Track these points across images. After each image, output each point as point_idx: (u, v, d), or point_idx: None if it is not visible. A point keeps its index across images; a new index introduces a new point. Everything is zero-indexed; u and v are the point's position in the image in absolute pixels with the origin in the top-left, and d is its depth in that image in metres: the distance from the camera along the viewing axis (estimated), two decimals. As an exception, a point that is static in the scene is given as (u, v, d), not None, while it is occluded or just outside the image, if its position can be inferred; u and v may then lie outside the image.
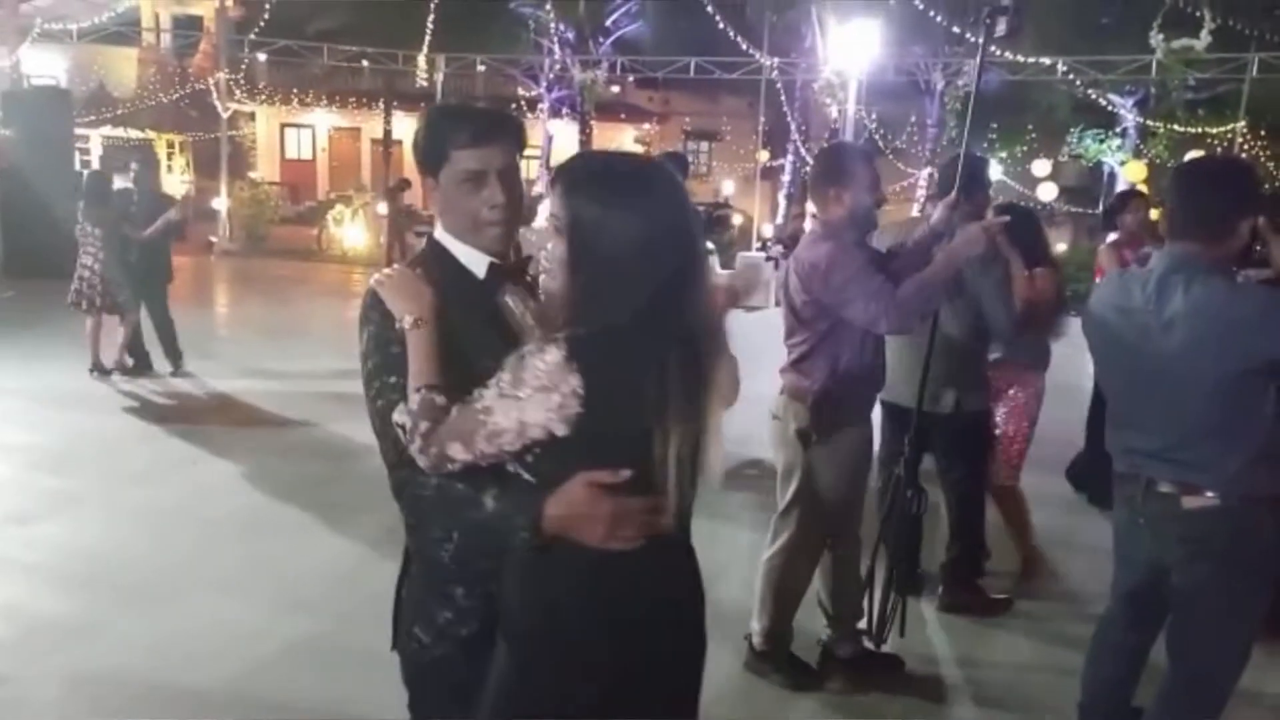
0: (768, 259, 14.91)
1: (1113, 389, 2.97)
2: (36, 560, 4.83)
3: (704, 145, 32.42)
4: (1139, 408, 2.81)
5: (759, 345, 4.03)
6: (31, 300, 12.60)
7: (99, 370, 8.54)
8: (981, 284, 4.12)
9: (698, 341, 1.76)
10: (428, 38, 17.41)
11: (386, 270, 1.93)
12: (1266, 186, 20.84)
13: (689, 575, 1.93)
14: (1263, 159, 19.40)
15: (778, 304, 4.81)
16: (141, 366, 8.76)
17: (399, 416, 1.81)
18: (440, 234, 2.01)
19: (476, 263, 1.97)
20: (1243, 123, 15.91)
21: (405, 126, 29.09)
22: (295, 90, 26.71)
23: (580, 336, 1.68)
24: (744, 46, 17.63)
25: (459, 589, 1.97)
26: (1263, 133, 18.76)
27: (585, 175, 1.79)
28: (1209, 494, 2.69)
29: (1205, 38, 14.67)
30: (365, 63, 19.13)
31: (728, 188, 26.94)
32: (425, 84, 18.53)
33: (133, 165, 9.21)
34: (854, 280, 3.36)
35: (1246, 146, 17.90)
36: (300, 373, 8.99)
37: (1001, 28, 3.80)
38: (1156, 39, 14.96)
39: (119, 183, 9.29)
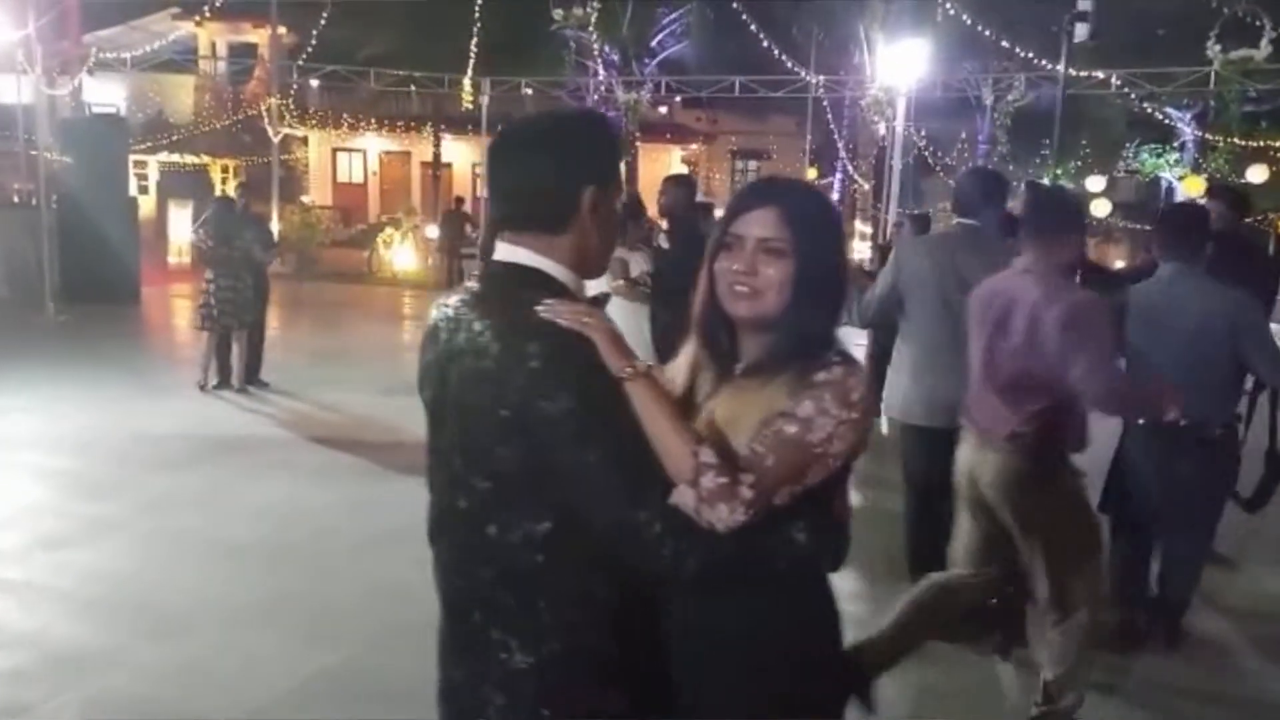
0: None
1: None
2: (64, 587, 4.81)
3: (751, 164, 32.38)
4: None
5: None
6: (86, 325, 12.84)
7: (226, 385, 9.00)
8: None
9: None
10: (471, 61, 17.51)
11: (570, 309, 1.64)
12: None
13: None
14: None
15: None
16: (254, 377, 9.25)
17: (695, 481, 1.59)
18: (540, 260, 1.73)
19: (577, 287, 1.78)
20: (1307, 135, 15.48)
21: (454, 150, 29.50)
22: (345, 115, 27.08)
23: (850, 358, 1.77)
24: (789, 65, 17.51)
25: (629, 673, 1.75)
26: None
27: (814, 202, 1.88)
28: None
29: (1265, 47, 14.27)
30: (413, 87, 19.30)
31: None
32: (471, 107, 18.63)
33: (237, 192, 9.93)
34: (1104, 348, 3.40)
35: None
36: (346, 399, 8.97)
37: (1083, 32, 3.84)
38: (1214, 49, 14.58)
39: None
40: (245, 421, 8.20)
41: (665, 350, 7.18)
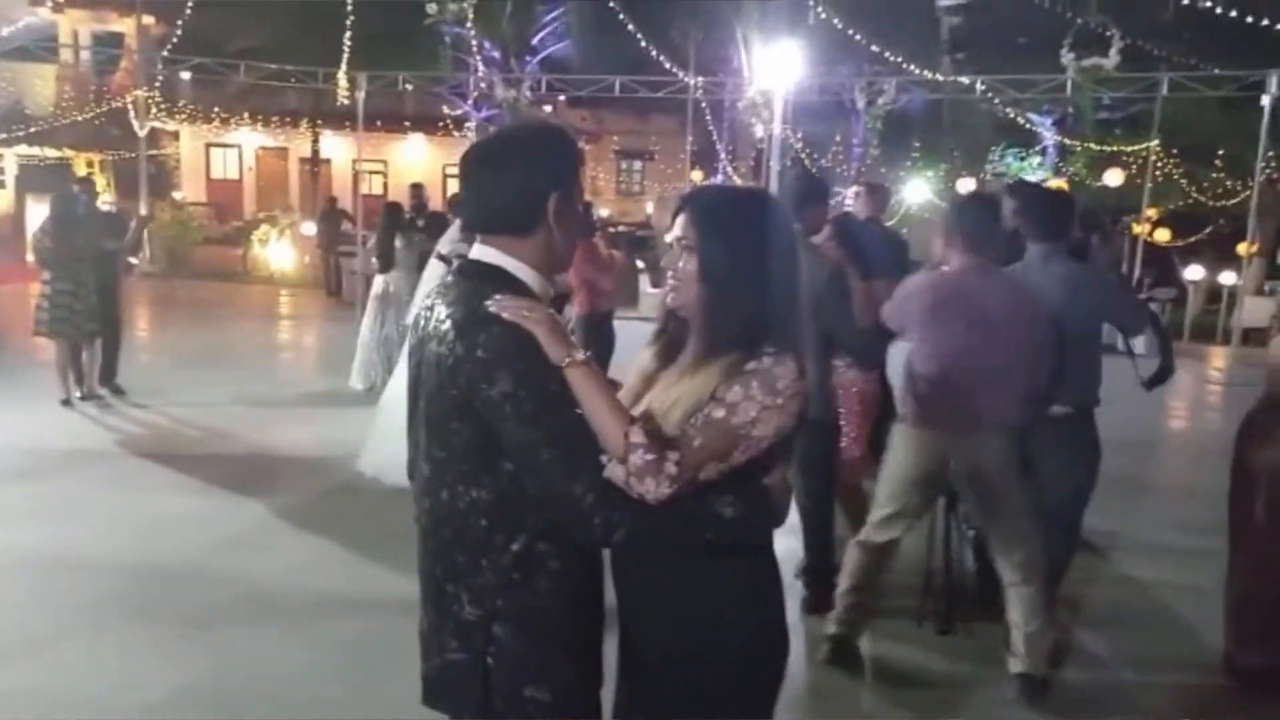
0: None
1: None
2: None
3: (636, 164, 32.52)
4: None
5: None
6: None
7: (89, 396, 8.56)
8: (824, 299, 4.30)
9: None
10: (346, 55, 17.13)
11: (515, 303, 1.85)
12: (1180, 204, 21.50)
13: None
14: (1176, 177, 19.96)
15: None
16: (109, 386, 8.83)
17: (626, 457, 1.78)
18: (505, 259, 1.95)
19: (544, 291, 1.98)
20: (1156, 141, 16.31)
21: (333, 146, 28.87)
22: (218, 109, 26.22)
23: (786, 348, 1.91)
24: (669, 66, 17.66)
25: (573, 636, 1.97)
26: (1175, 152, 19.28)
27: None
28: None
29: (1114, 57, 15.02)
30: (292, 80, 18.78)
31: (651, 208, 27.04)
32: (348, 102, 18.24)
33: (75, 188, 9.04)
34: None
35: (1160, 165, 18.37)
36: (208, 407, 8.70)
37: (958, 19, 4.06)
38: (1067, 57, 15.29)
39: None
40: (98, 432, 7.86)
41: None
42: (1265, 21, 13.87)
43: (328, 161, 29.06)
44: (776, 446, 1.93)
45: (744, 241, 1.96)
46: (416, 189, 10.91)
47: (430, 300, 2.02)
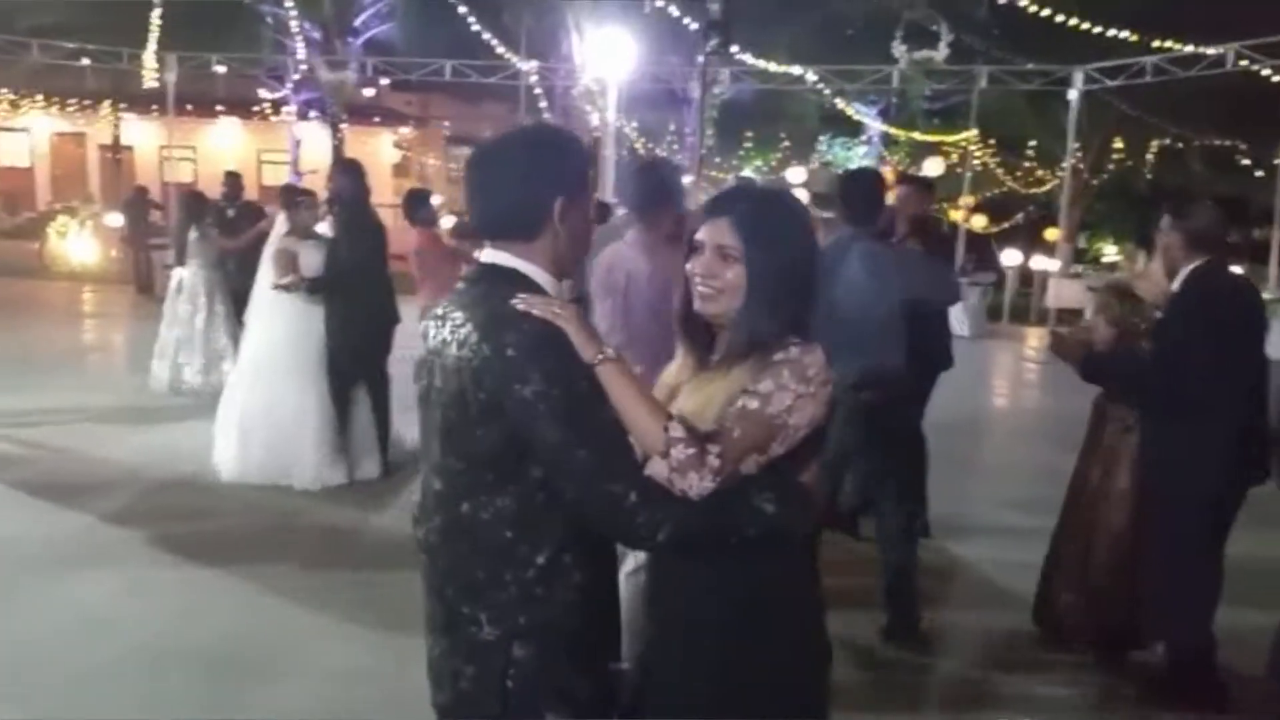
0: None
1: None
2: None
3: (465, 150, 31.87)
4: None
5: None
6: None
7: None
8: None
9: None
10: (155, 35, 15.96)
11: (544, 301, 1.83)
12: (995, 192, 22.64)
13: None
14: (991, 166, 20.97)
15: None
16: None
17: (667, 452, 1.76)
18: (517, 261, 1.92)
19: (553, 288, 1.95)
20: (974, 132, 17.04)
21: (137, 131, 27.07)
22: (5, 91, 24.10)
23: (808, 341, 1.90)
24: (500, 51, 17.23)
25: (595, 654, 1.93)
26: (992, 142, 20.26)
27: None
28: None
29: (944, 50, 15.64)
30: (86, 61, 17.36)
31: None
32: (156, 84, 17.04)
33: None
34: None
35: (978, 154, 19.22)
36: (26, 409, 7.89)
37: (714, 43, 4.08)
38: (899, 49, 15.81)
39: None
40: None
41: (346, 340, 6.84)
42: (1073, 20, 14.64)
43: (130, 148, 27.23)
44: (810, 438, 1.91)
45: (790, 251, 1.96)
46: (231, 177, 10.25)
47: (440, 310, 1.97)
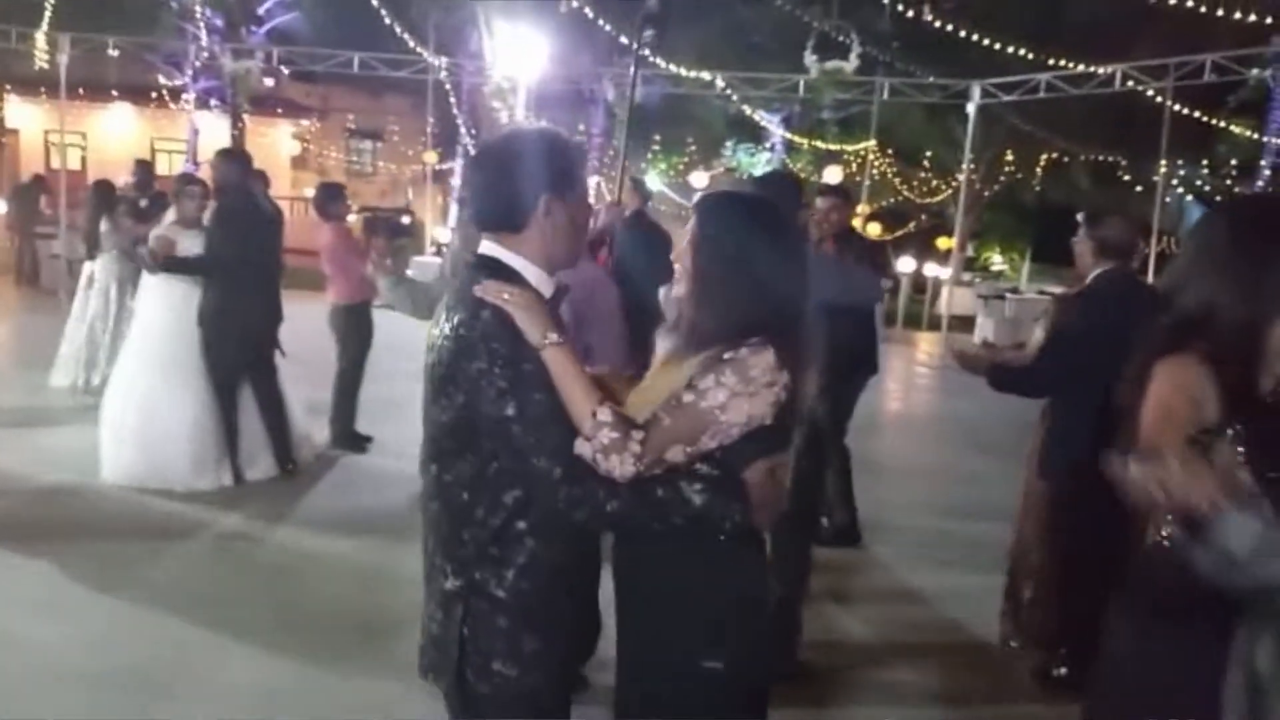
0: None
1: None
2: None
3: (367, 144, 31.32)
4: None
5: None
6: None
7: None
8: None
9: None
10: (47, 14, 15.31)
11: (497, 286, 1.97)
12: (890, 201, 23.25)
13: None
14: (889, 175, 21.55)
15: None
16: None
17: (593, 435, 1.89)
18: (503, 252, 2.08)
19: (544, 284, 2.09)
20: (873, 141, 17.49)
21: (22, 115, 25.90)
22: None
23: (775, 340, 1.98)
24: (411, 44, 17.02)
25: (544, 616, 2.05)
26: (890, 152, 20.81)
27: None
28: None
29: (855, 60, 16.03)
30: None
31: (404, 192, 26.14)
32: (46, 66, 16.33)
33: None
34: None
35: (876, 163, 19.73)
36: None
37: (649, 35, 4.14)
38: (811, 59, 16.13)
39: None
40: None
41: (222, 332, 6.67)
42: (974, 36, 15.16)
43: (15, 132, 26.07)
44: (758, 436, 2.00)
45: (736, 242, 2.07)
46: (142, 165, 9.95)
47: (448, 296, 2.15)
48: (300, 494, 6.33)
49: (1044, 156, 22.33)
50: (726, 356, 1.97)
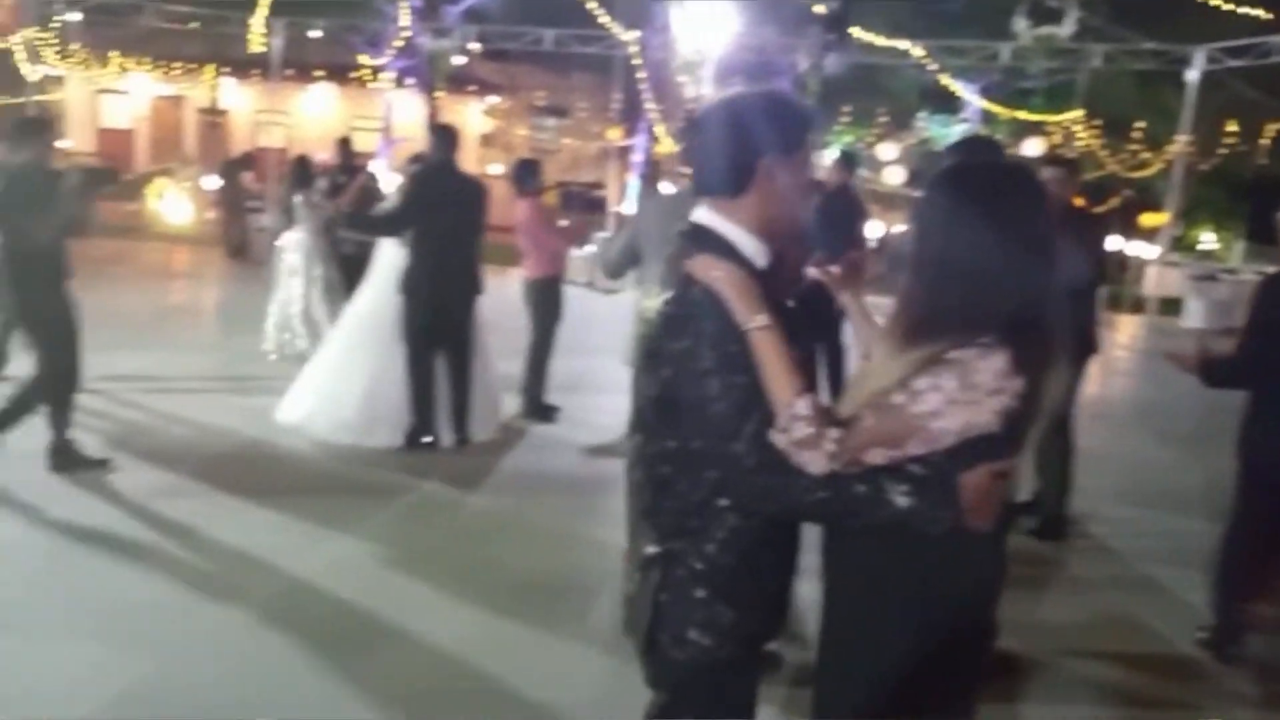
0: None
1: None
2: None
3: (551, 121, 31.81)
4: None
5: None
6: None
7: None
8: None
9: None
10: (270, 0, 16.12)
11: (708, 263, 1.89)
12: (1093, 175, 21.90)
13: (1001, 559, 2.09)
14: (1095, 148, 20.27)
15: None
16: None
17: (789, 427, 1.79)
18: (719, 220, 1.99)
19: (760, 254, 2.00)
20: (1080, 112, 16.48)
21: (234, 95, 27.55)
22: (113, 53, 24.63)
23: (1013, 339, 1.79)
24: (601, 20, 17.09)
25: (741, 590, 2.01)
26: (1097, 123, 19.56)
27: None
28: None
29: (1071, 26, 15.12)
30: (190, 26, 17.63)
31: (589, 168, 26.50)
32: (265, 48, 17.23)
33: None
34: None
35: (1081, 135, 18.63)
36: (126, 371, 8.03)
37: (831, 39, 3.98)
38: (1021, 24, 15.31)
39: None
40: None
41: (416, 295, 6.66)
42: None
43: (226, 112, 27.74)
44: (978, 443, 1.83)
45: (973, 223, 1.85)
46: (343, 143, 10.26)
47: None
48: (494, 460, 6.44)
49: (1273, 128, 20.50)
50: (950, 357, 1.80)
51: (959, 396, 1.79)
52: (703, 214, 2.01)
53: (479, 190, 6.67)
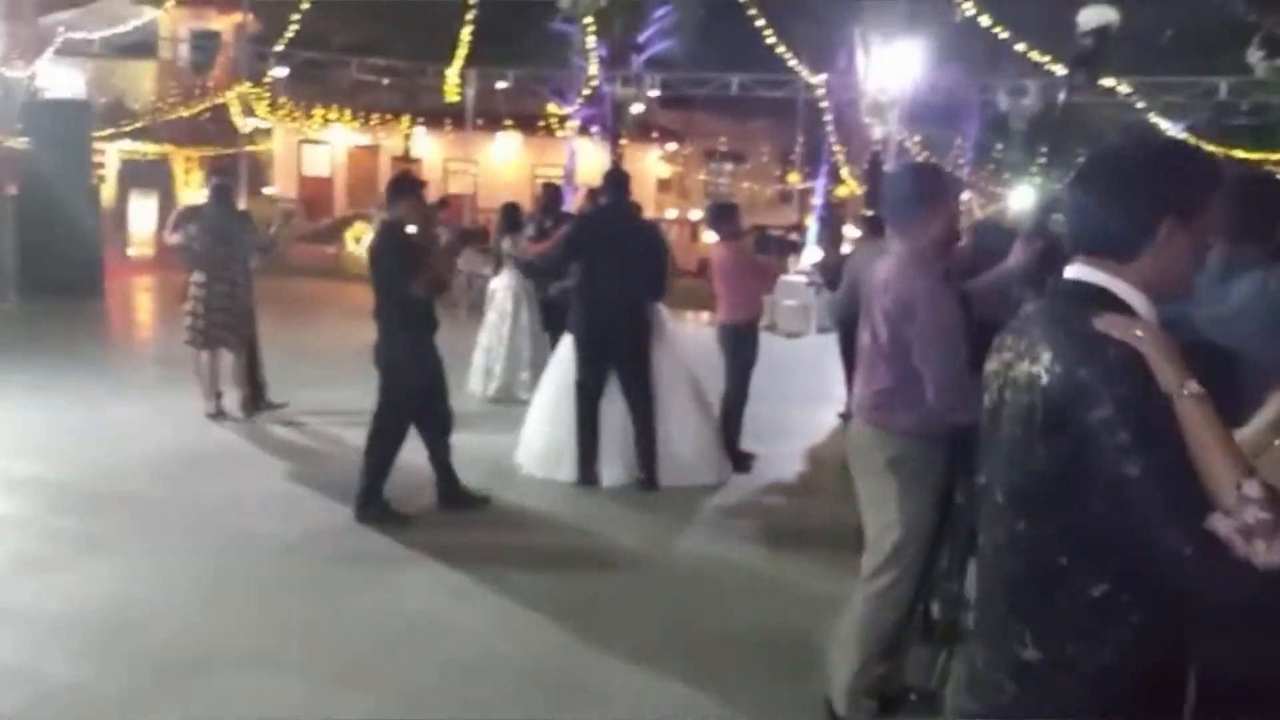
0: (809, 284, 14.36)
1: None
2: (53, 616, 4.24)
3: (728, 165, 31.95)
4: None
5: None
6: (42, 320, 12.13)
7: (223, 414, 7.75)
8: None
9: None
10: (465, 52, 16.83)
11: (1126, 322, 1.68)
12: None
13: None
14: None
15: (819, 330, 4.68)
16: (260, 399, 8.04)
17: (1236, 511, 1.55)
18: (1110, 280, 1.78)
19: (1146, 309, 1.78)
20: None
21: (425, 144, 28.75)
22: (318, 105, 26.16)
23: None
24: (787, 64, 17.04)
25: (1142, 701, 1.77)
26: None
27: None
28: None
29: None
30: (386, 80, 18.56)
31: (777, 212, 26.45)
32: (459, 99, 17.94)
33: (213, 182, 8.55)
34: (939, 341, 3.28)
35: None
36: (345, 405, 8.23)
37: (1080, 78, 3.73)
38: (1256, 55, 14.40)
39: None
40: (238, 432, 7.52)
41: (577, 334, 6.61)
42: None
43: (419, 160, 28.98)
44: None
45: None
46: (549, 188, 10.41)
47: (1015, 322, 1.90)
48: (694, 507, 6.29)
49: None
50: None
51: None
52: (1087, 271, 1.82)
53: (648, 233, 6.64)
